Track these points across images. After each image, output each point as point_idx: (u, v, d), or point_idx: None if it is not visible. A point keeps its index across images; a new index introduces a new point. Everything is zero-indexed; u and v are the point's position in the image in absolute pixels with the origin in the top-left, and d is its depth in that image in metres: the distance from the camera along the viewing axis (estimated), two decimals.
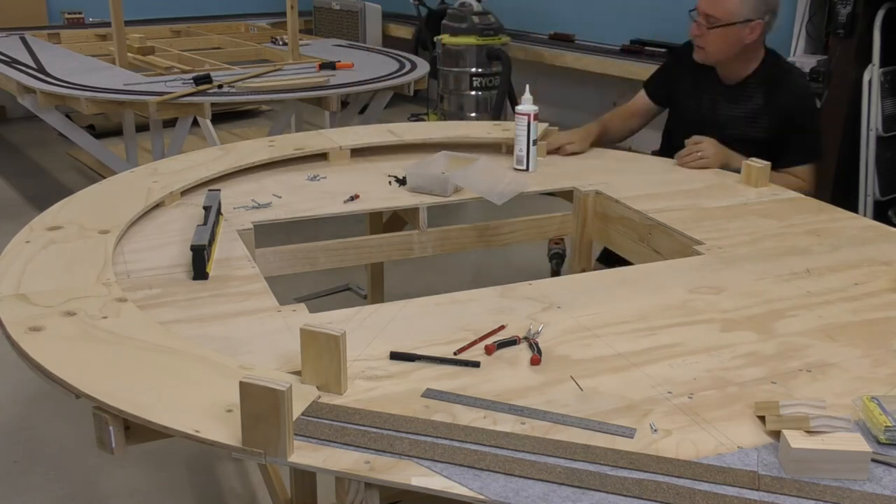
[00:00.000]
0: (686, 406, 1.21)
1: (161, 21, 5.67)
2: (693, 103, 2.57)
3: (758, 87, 2.47)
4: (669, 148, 2.58)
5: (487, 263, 3.48)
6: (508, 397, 1.23)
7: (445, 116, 5.02)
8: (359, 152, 2.44)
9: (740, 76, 2.48)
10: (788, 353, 1.37)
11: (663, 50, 4.54)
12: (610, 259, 2.41)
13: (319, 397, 1.20)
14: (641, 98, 2.70)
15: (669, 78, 2.67)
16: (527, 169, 2.32)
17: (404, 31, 5.97)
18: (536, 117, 2.31)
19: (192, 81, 3.47)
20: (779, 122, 2.44)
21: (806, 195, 2.23)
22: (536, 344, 1.36)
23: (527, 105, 2.31)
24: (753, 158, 2.24)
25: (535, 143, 2.33)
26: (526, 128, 2.30)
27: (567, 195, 2.25)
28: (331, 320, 1.41)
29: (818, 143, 2.54)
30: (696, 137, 2.40)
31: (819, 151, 2.53)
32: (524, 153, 2.32)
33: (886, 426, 1.13)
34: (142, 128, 4.36)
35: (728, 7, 2.36)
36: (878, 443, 1.13)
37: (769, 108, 2.45)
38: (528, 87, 2.33)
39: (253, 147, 2.40)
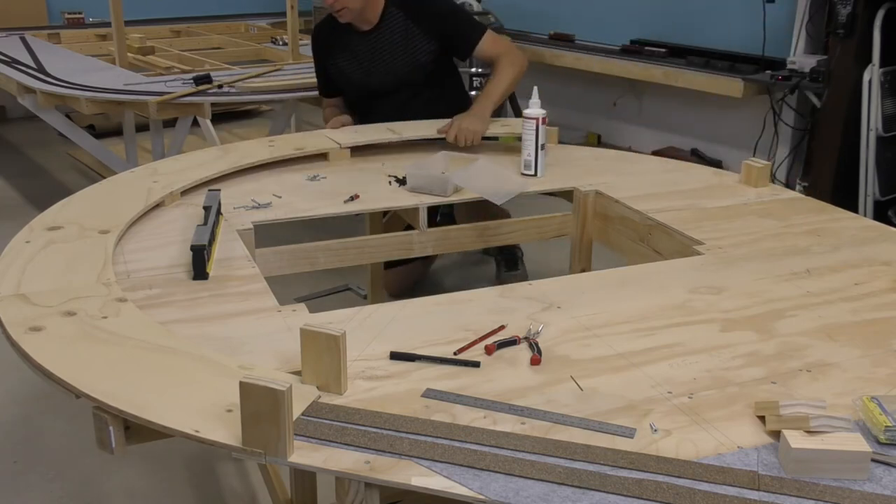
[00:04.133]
0: (686, 406, 1.21)
1: (161, 21, 5.65)
2: (356, 68, 2.76)
3: (397, 14, 2.70)
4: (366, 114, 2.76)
5: (487, 262, 3.48)
6: (508, 397, 1.23)
7: None
8: (359, 152, 2.44)
9: (376, 16, 2.70)
10: (788, 353, 1.37)
11: (663, 50, 4.54)
12: None
13: (319, 397, 1.20)
14: (327, 103, 2.91)
15: (324, 69, 2.84)
16: (535, 174, 2.25)
17: None
18: (545, 121, 2.25)
19: (192, 81, 3.47)
20: (434, 30, 2.69)
21: (518, 61, 2.61)
22: (536, 344, 1.36)
23: (534, 109, 2.24)
24: (753, 158, 2.23)
25: (542, 147, 2.25)
26: (534, 132, 2.22)
27: (567, 195, 2.25)
28: (331, 320, 1.41)
29: (474, 21, 2.79)
30: (447, 124, 2.49)
31: (483, 25, 2.75)
32: (532, 158, 2.25)
33: (886, 426, 1.13)
34: (142, 128, 4.35)
35: None
36: (878, 443, 1.13)
37: (419, 24, 2.69)
38: (535, 89, 2.27)
39: (253, 147, 2.40)
